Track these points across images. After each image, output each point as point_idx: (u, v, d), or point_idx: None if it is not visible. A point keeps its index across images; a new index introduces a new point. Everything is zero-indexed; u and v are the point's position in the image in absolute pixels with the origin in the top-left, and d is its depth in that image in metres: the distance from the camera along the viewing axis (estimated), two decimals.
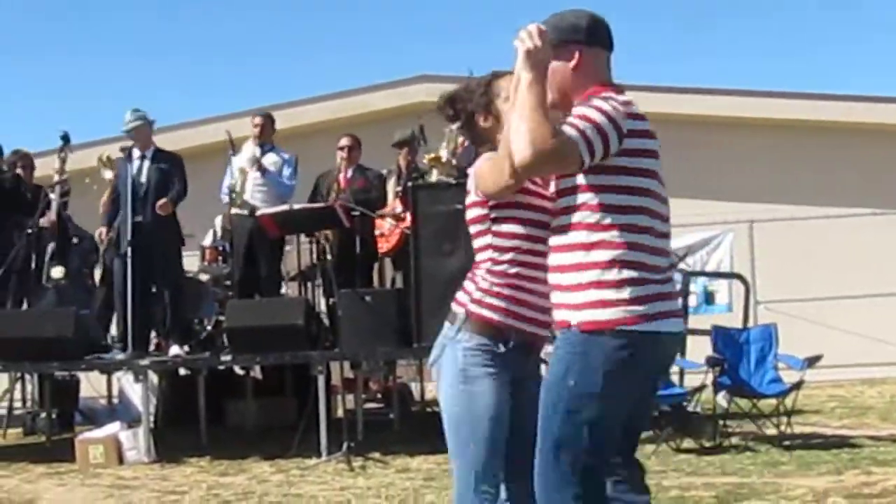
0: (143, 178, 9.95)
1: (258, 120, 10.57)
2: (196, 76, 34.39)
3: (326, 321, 10.37)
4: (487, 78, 3.83)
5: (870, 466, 7.79)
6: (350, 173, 10.56)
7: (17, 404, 12.73)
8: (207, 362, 10.14)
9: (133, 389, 11.26)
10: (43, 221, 10.52)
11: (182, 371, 11.41)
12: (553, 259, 3.48)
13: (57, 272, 10.43)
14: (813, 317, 13.01)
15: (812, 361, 9.18)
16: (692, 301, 12.13)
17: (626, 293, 3.31)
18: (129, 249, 9.69)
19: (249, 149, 10.37)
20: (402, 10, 33.53)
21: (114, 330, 10.55)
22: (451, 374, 3.75)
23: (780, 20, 32.93)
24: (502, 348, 3.73)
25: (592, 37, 3.44)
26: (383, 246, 10.41)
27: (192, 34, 34.72)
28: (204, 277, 10.88)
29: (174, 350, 10.03)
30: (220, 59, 33.90)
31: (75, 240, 10.69)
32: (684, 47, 34.44)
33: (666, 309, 3.39)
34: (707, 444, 9.00)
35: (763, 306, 12.58)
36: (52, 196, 10.47)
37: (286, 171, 10.48)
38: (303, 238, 10.83)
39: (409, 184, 9.58)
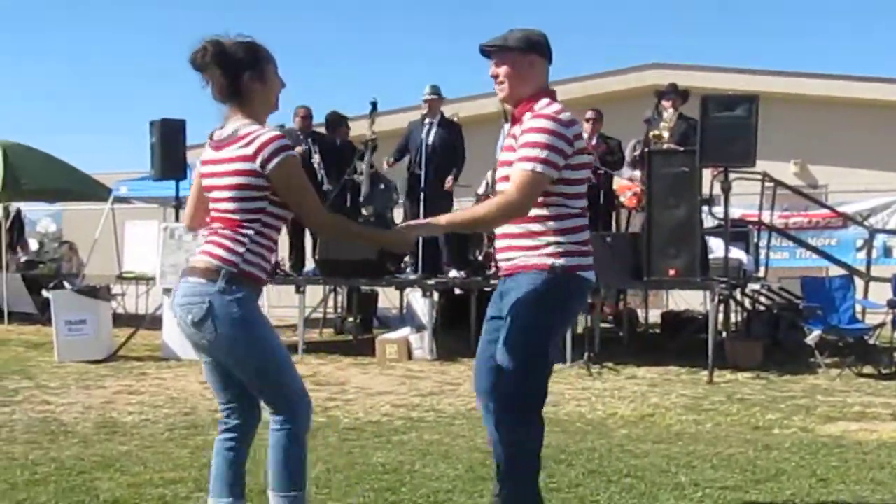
0: (430, 140, 10.92)
1: None
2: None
3: None
4: None
5: None
6: (595, 140, 11.12)
7: (330, 311, 13.76)
8: (479, 284, 10.76)
9: (418, 303, 11.85)
10: (354, 174, 11.16)
11: (458, 290, 12.05)
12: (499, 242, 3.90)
13: (365, 211, 11.05)
14: None
15: None
16: (874, 254, 12.18)
17: (568, 248, 3.74)
18: (423, 195, 10.71)
19: None
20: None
21: None
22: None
23: None
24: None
25: (547, 51, 3.90)
26: (633, 201, 10.95)
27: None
28: None
29: (453, 273, 10.78)
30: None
31: (381, 186, 11.22)
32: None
33: (589, 263, 3.83)
34: (884, 371, 9.17)
35: None
36: (363, 150, 11.08)
37: None
38: None
39: (647, 150, 10.04)
